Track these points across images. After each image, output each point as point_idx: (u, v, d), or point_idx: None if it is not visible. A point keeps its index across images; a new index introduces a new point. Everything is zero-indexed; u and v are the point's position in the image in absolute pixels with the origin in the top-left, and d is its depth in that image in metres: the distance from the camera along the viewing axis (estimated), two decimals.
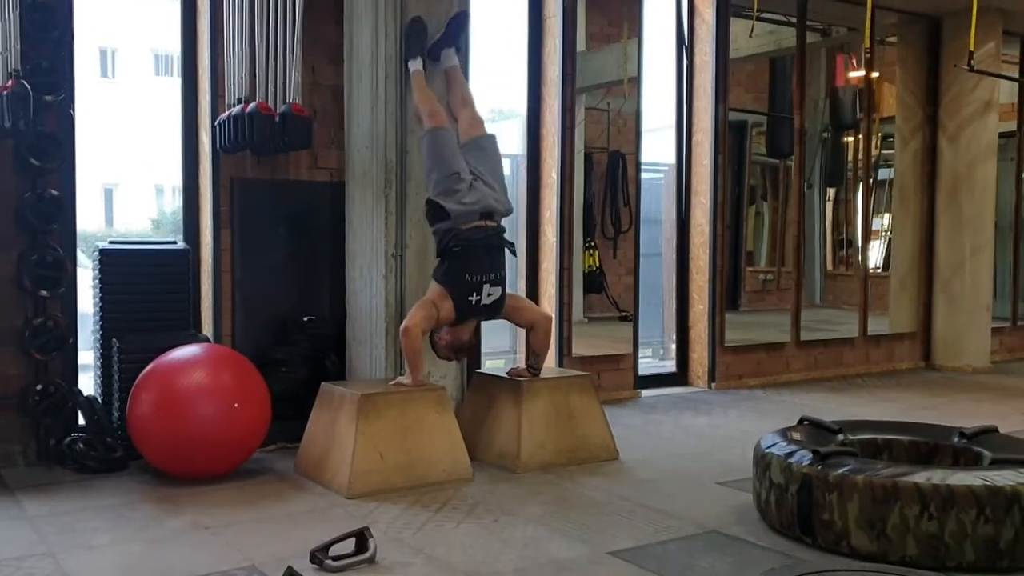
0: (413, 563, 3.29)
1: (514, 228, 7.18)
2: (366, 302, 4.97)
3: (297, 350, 5.10)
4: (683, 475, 4.59)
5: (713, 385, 7.14)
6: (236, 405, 4.28)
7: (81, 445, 4.47)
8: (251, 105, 4.65)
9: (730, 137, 7.27)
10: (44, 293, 4.49)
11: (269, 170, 5.20)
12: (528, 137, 6.59)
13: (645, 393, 6.84)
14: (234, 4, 4.88)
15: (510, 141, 8.56)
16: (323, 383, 4.58)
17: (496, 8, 6.87)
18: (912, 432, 4.11)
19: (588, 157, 6.64)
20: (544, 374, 4.86)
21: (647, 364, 7.37)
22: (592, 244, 6.69)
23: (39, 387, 4.52)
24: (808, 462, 3.52)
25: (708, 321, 7.14)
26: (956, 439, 3.93)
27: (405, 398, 4.35)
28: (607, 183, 6.75)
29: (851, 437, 3.91)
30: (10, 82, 4.12)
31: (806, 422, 4.06)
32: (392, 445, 4.24)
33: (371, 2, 4.87)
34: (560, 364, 6.36)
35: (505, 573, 3.20)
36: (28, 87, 4.14)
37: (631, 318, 6.84)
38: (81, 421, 4.69)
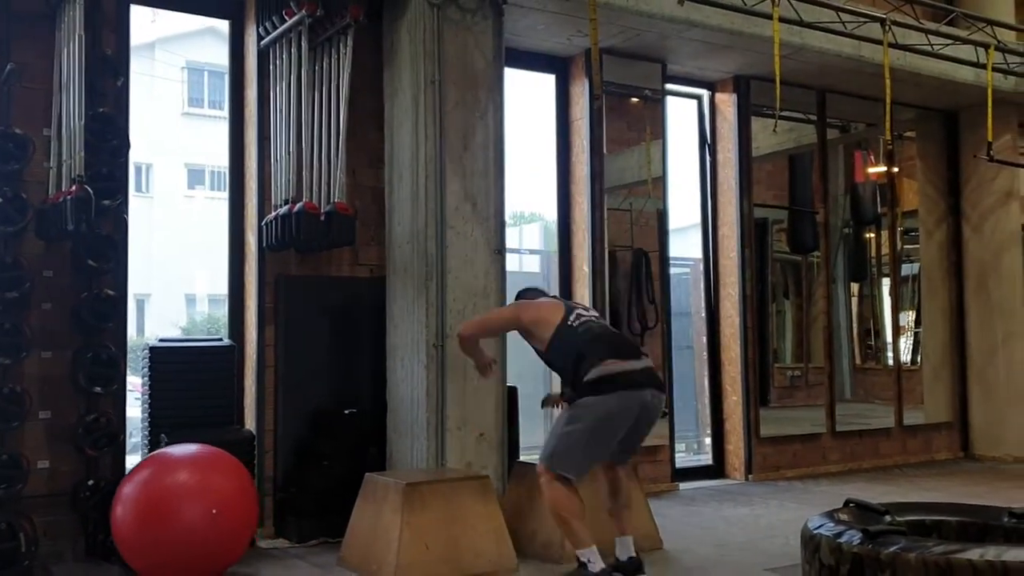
0: None
1: None
2: (407, 393, 5.06)
3: (338, 443, 5.16)
4: (730, 564, 4.55)
5: (750, 477, 7.09)
6: (215, 511, 4.10)
7: None
8: (298, 205, 4.86)
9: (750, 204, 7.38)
10: (98, 390, 4.62)
11: (312, 267, 5.38)
12: (559, 235, 6.77)
13: (683, 486, 6.80)
14: (279, 112, 5.14)
15: (531, 240, 8.79)
16: (367, 474, 4.62)
17: (521, 114, 7.16)
18: (960, 513, 4.07)
19: (612, 255, 6.76)
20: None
21: (683, 458, 7.34)
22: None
23: (90, 483, 4.59)
24: (858, 541, 3.50)
25: (743, 412, 7.14)
26: (1006, 519, 3.89)
27: (450, 487, 4.38)
28: (632, 281, 6.86)
29: (899, 518, 3.88)
30: (74, 187, 4.35)
31: (852, 504, 4.04)
32: (437, 535, 4.25)
33: (410, 106, 5.12)
34: None
35: None
36: (91, 192, 4.36)
37: (664, 413, 6.84)
38: None
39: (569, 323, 4.20)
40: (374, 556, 4.29)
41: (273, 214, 5.04)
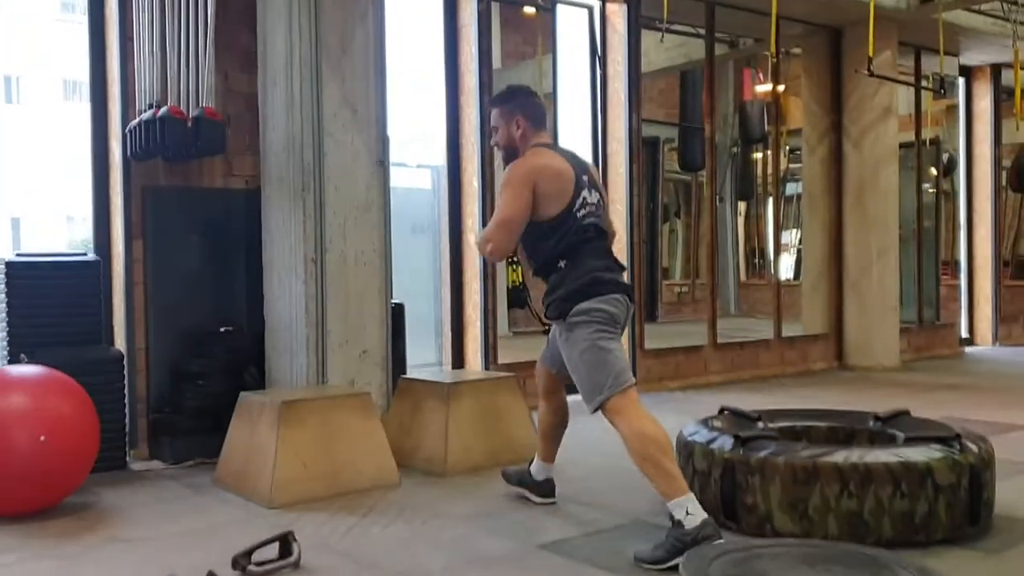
0: (339, 567, 3.23)
1: (438, 239, 7.19)
2: (286, 310, 4.89)
3: (214, 362, 4.98)
4: (610, 471, 4.61)
5: None
6: (43, 438, 3.77)
7: None
8: (163, 109, 4.55)
9: (643, 152, 7.40)
10: None
11: (182, 178, 5.09)
12: (448, 147, 6.60)
13: (569, 398, 6.85)
14: (143, 13, 4.78)
15: (429, 153, 8.59)
16: (242, 392, 4.47)
17: (409, 14, 6.88)
18: (829, 418, 4.22)
19: None
20: (469, 377, 4.85)
21: None
22: (514, 260, 6.69)
23: None
24: (730, 447, 3.58)
25: (629, 326, 7.22)
26: (871, 423, 4.04)
27: (328, 404, 4.28)
28: None
29: (771, 424, 3.99)
30: None
31: (726, 411, 4.14)
32: (315, 453, 4.16)
33: (284, 7, 4.83)
34: (486, 370, 6.35)
35: (434, 572, 3.17)
36: None
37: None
38: None
39: (574, 211, 3.52)
40: (249, 475, 4.18)
41: (137, 120, 4.71)
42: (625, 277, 3.69)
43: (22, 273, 4.65)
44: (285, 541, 3.24)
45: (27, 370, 4.16)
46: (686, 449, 3.76)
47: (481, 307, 6.46)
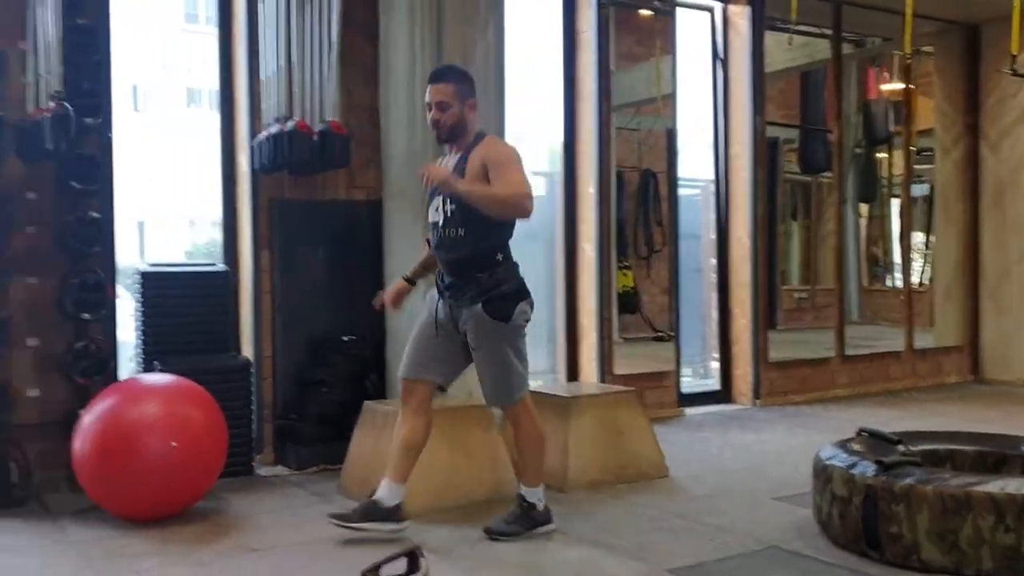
0: None
1: (551, 244, 7.13)
2: (405, 320, 4.89)
3: (337, 370, 5.05)
4: (737, 491, 4.46)
5: (758, 402, 6.99)
6: (174, 444, 3.88)
7: None
8: (289, 123, 4.64)
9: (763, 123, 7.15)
10: (86, 316, 4.47)
11: (307, 191, 5.18)
12: (564, 153, 6.54)
13: (689, 411, 6.72)
14: (269, 28, 4.88)
15: (539, 159, 8.54)
16: (366, 402, 4.51)
17: (527, 24, 6.86)
18: (976, 442, 3.96)
19: (619, 176, 6.57)
20: (589, 390, 4.78)
21: (689, 383, 7.24)
22: (626, 264, 6.62)
23: (81, 412, 4.47)
24: (872, 473, 3.39)
25: (751, 336, 7.01)
26: None
27: (449, 416, 4.27)
28: (639, 202, 6.68)
29: (913, 448, 3.77)
30: (53, 105, 4.13)
31: (865, 433, 3.93)
32: (438, 463, 4.15)
33: (406, 19, 4.85)
34: (602, 382, 6.25)
35: None
36: (70, 109, 4.14)
37: (667, 338, 6.74)
38: None
39: None
40: (373, 484, 4.19)
41: (264, 133, 4.82)
42: None
43: (155, 283, 4.81)
44: (413, 556, 3.21)
45: (160, 378, 4.30)
46: (824, 474, 3.58)
47: (596, 316, 6.36)
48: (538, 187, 7.93)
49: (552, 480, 4.45)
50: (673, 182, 6.78)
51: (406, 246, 4.89)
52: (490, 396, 3.70)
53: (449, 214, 3.56)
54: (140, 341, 4.79)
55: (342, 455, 4.56)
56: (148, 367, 4.69)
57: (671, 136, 6.78)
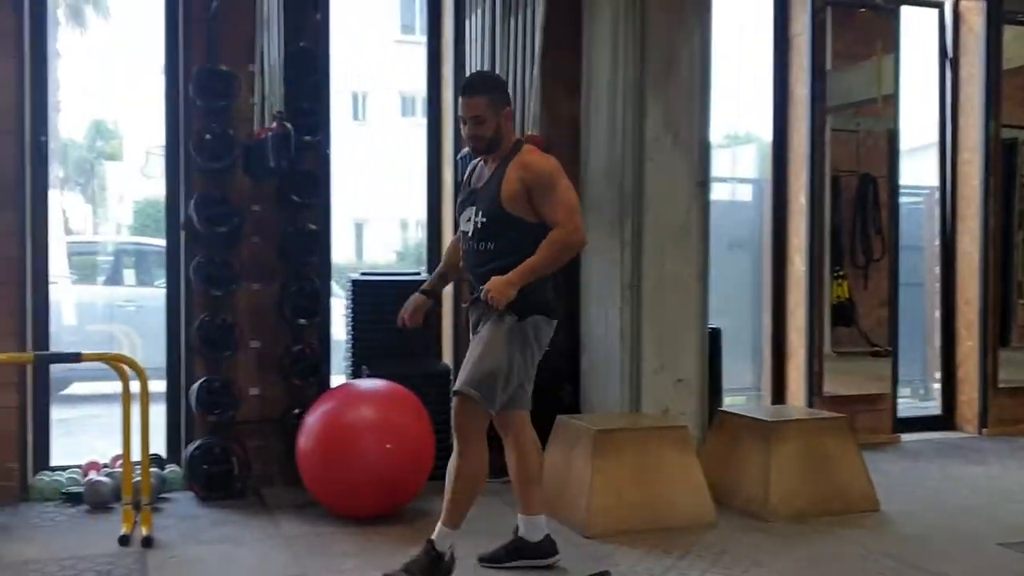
0: None
1: (758, 258, 6.86)
2: (601, 334, 4.87)
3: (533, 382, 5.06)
4: (956, 533, 4.09)
5: (985, 431, 6.40)
6: (389, 446, 4.09)
7: None
8: None
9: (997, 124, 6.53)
10: (302, 322, 4.74)
11: None
12: (774, 161, 6.27)
13: (905, 437, 6.24)
14: (475, 43, 4.97)
15: (746, 166, 8.21)
16: (559, 416, 4.49)
17: (735, 27, 6.64)
18: None
19: (835, 181, 6.21)
20: (794, 414, 4.53)
21: (906, 405, 6.74)
22: (840, 274, 6.24)
23: (296, 411, 4.75)
24: None
25: (979, 359, 6.42)
26: None
27: (644, 436, 4.18)
28: (856, 209, 6.28)
29: None
30: (275, 124, 4.41)
31: None
32: (631, 485, 4.08)
33: (609, 30, 4.80)
34: (810, 404, 5.94)
35: None
36: (291, 129, 4.40)
37: (884, 353, 6.29)
38: None
39: None
40: (565, 501, 4.18)
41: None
42: None
43: (365, 290, 5.04)
44: None
45: (373, 383, 4.50)
46: None
47: (806, 333, 6.04)
48: (744, 194, 7.69)
49: (753, 508, 4.27)
50: (894, 187, 6.33)
51: (601, 260, 4.85)
52: (464, 379, 3.32)
53: (480, 226, 3.37)
54: (350, 345, 5.03)
55: None
56: (356, 370, 4.92)
57: (892, 138, 6.33)
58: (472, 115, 3.35)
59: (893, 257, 6.31)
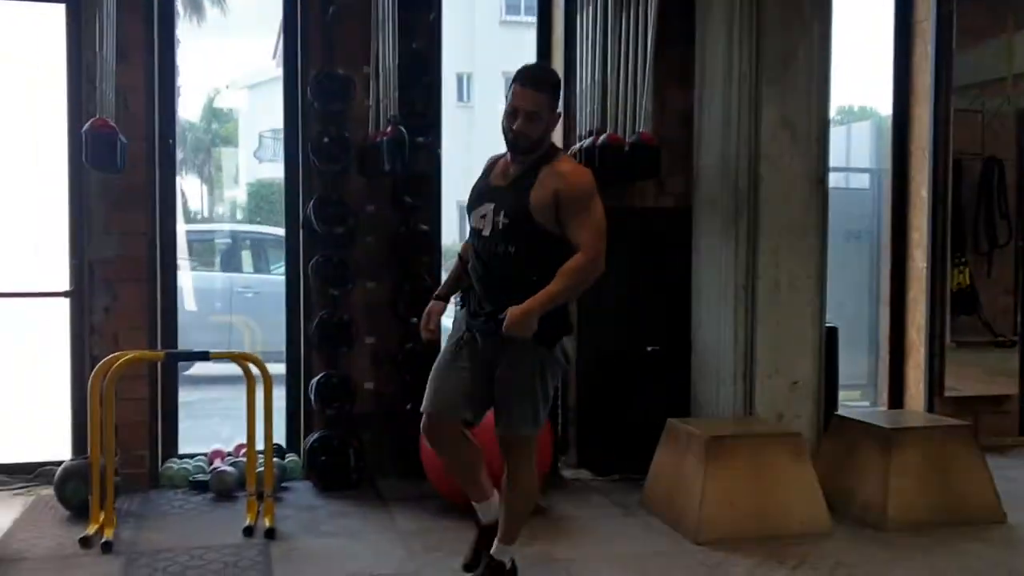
0: None
1: (876, 249, 6.64)
2: (713, 335, 4.80)
3: (640, 381, 5.05)
4: None
5: None
6: None
7: None
8: (602, 137, 4.69)
9: None
10: (415, 320, 4.81)
11: (616, 197, 5.15)
12: (893, 150, 6.04)
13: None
14: (588, 35, 4.94)
15: (860, 148, 7.90)
16: (669, 419, 4.46)
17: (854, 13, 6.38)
18: None
19: (957, 165, 5.92)
20: (915, 421, 4.39)
21: None
22: (963, 260, 5.96)
23: (408, 406, 4.86)
24: None
25: None
26: None
27: (758, 443, 4.12)
28: (980, 192, 5.98)
29: None
30: (389, 128, 4.49)
31: None
32: (743, 491, 4.03)
33: (724, 23, 4.70)
34: (930, 406, 5.73)
35: None
36: (405, 133, 4.48)
37: (1008, 343, 5.99)
38: None
39: None
40: (675, 505, 4.17)
41: (577, 145, 4.91)
42: None
43: None
44: None
45: None
46: None
47: (926, 331, 5.83)
48: (861, 181, 7.43)
49: (870, 517, 4.17)
50: (1022, 171, 6.00)
51: (714, 259, 4.78)
52: (515, 421, 3.17)
53: (501, 227, 3.08)
54: None
55: (642, 465, 4.56)
56: None
57: (1022, 118, 6.00)
58: (530, 110, 3.05)
59: (1021, 241, 5.99)
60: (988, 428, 5.80)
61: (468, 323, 3.21)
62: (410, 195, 4.78)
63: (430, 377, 3.27)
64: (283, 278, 5.19)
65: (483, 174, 3.28)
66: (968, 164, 5.97)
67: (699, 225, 4.94)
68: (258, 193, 21.03)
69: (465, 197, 3.32)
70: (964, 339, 5.95)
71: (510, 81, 3.12)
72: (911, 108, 5.95)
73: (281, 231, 5.59)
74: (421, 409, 3.26)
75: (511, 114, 3.08)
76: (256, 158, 22.38)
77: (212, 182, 25.66)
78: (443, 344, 3.38)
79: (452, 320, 3.38)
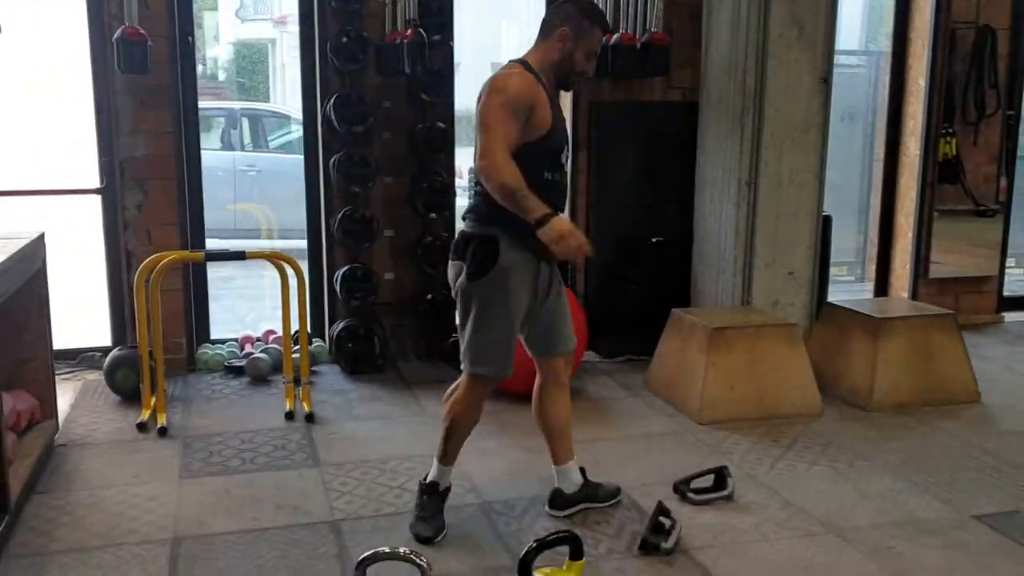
0: (769, 505, 3.47)
1: (870, 137, 6.82)
2: (715, 228, 5.06)
3: (645, 269, 5.36)
4: None
5: None
6: None
7: None
8: (615, 36, 4.79)
9: None
10: (433, 216, 5.07)
11: (625, 92, 5.35)
12: (894, 37, 6.14)
13: (1009, 317, 6.36)
14: None
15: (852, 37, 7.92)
16: (673, 309, 4.78)
17: None
18: None
19: (952, 34, 5.98)
20: (901, 310, 4.74)
21: (1013, 279, 6.78)
22: (950, 131, 6.12)
23: (428, 296, 5.16)
24: None
25: None
26: None
27: (756, 333, 4.46)
28: (972, 63, 6.07)
29: None
30: (409, 31, 4.57)
31: None
32: (741, 377, 4.39)
33: None
34: (915, 288, 6.09)
35: (862, 528, 3.29)
36: (425, 36, 4.57)
37: (990, 212, 6.24)
38: None
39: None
40: (679, 389, 4.54)
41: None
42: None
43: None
44: (720, 474, 3.55)
45: None
46: None
47: (915, 216, 6.12)
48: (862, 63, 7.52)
49: (857, 399, 4.56)
50: (1018, 39, 6.09)
51: (719, 155, 4.98)
52: (571, 336, 3.30)
53: (567, 159, 3.11)
54: None
55: (647, 347, 4.93)
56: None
57: None
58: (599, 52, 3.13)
59: (1009, 110, 6.13)
60: (968, 306, 6.19)
61: (541, 255, 3.02)
62: (426, 92, 4.90)
63: (508, 335, 3.07)
64: (283, 155, 5.31)
65: (549, 99, 2.98)
66: (963, 33, 6.00)
67: (706, 121, 5.11)
68: (240, 54, 20.61)
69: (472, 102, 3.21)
70: (945, 208, 6.17)
71: (589, 24, 2.99)
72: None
73: (276, 107, 5.70)
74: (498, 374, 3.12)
75: (587, 55, 3.02)
76: (238, 18, 21.80)
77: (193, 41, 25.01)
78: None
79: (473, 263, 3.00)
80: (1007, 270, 6.54)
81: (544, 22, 3.06)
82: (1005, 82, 6.10)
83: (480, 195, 2.99)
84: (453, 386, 3.28)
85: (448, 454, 3.26)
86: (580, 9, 3.00)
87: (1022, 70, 6.21)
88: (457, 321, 3.13)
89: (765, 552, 3.10)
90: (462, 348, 3.12)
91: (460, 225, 3.16)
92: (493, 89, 2.90)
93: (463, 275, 3.02)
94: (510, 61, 3.03)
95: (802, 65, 4.76)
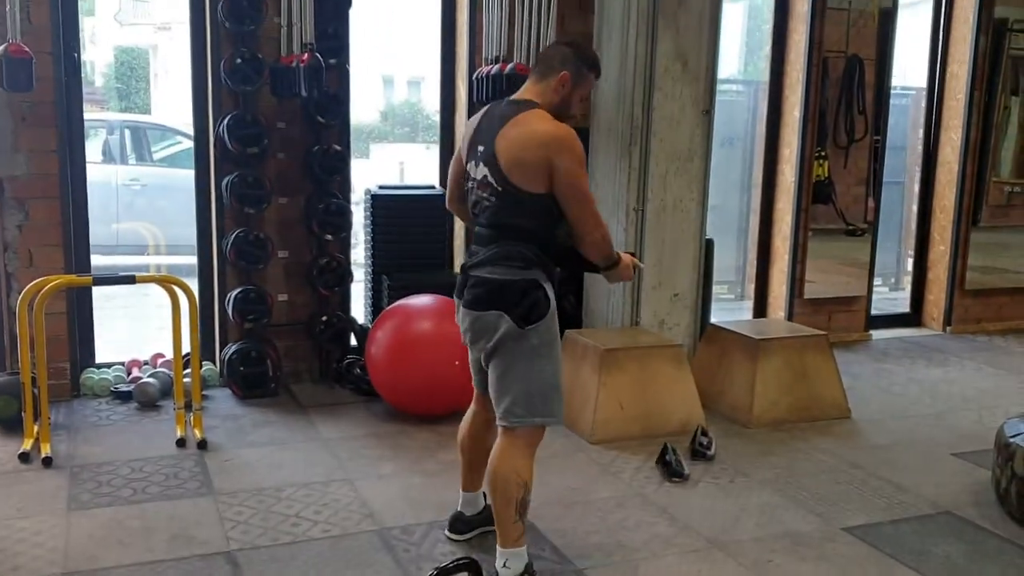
0: (657, 523, 3.62)
1: (749, 161, 7.16)
2: None
3: None
4: (916, 442, 4.65)
5: (948, 329, 6.96)
6: (457, 363, 4.07)
7: (358, 369, 5.09)
8: (509, 66, 4.92)
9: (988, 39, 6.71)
10: (328, 237, 5.07)
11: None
12: (772, 65, 6.49)
13: (876, 335, 6.79)
14: None
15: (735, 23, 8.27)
16: (568, 331, 4.91)
17: None
18: None
19: (825, 62, 6.36)
20: (778, 331, 5.01)
21: (879, 297, 7.25)
22: (823, 154, 6.50)
23: (323, 318, 5.15)
24: None
25: (949, 263, 6.91)
26: None
27: (645, 353, 4.64)
28: (842, 89, 6.47)
29: None
30: (305, 55, 4.58)
31: None
32: (631, 397, 4.56)
33: None
34: (791, 307, 6.43)
35: (744, 542, 3.48)
36: (321, 60, 4.58)
37: (859, 232, 6.63)
38: (355, 344, 5.33)
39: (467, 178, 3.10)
40: (572, 408, 4.63)
41: (485, 70, 5.13)
42: (488, 272, 2.92)
43: (383, 204, 5.33)
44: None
45: (429, 300, 4.74)
46: (1007, 451, 3.72)
47: (791, 240, 6.46)
48: (741, 93, 7.90)
49: (738, 415, 4.80)
50: (883, 69, 6.50)
51: (609, 182, 5.16)
52: None
53: None
54: (369, 256, 5.38)
55: None
56: (377, 281, 5.29)
57: (886, 19, 6.43)
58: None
59: (876, 136, 6.53)
60: (839, 324, 6.58)
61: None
62: (321, 115, 4.91)
63: (560, 378, 3.09)
64: (168, 169, 5.24)
65: None
66: (833, 61, 6.38)
67: (596, 151, 5.28)
68: (119, 59, 19.97)
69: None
70: (819, 227, 6.54)
71: (587, 69, 3.08)
72: (788, 30, 6.37)
73: (158, 120, 5.60)
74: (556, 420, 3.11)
75: (583, 100, 3.17)
76: (117, 21, 21.09)
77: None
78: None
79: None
80: (875, 289, 6.98)
81: (541, 61, 3.09)
82: (872, 109, 6.51)
83: (517, 240, 2.90)
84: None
85: (524, 530, 3.00)
86: (577, 54, 3.05)
87: (887, 98, 6.65)
88: (496, 374, 2.95)
89: (655, 569, 3.24)
90: (508, 401, 2.93)
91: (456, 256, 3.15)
92: (565, 148, 2.85)
93: (511, 322, 2.88)
94: (527, 103, 2.98)
95: (686, 98, 4.99)
